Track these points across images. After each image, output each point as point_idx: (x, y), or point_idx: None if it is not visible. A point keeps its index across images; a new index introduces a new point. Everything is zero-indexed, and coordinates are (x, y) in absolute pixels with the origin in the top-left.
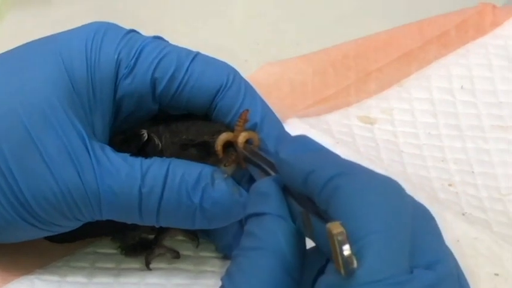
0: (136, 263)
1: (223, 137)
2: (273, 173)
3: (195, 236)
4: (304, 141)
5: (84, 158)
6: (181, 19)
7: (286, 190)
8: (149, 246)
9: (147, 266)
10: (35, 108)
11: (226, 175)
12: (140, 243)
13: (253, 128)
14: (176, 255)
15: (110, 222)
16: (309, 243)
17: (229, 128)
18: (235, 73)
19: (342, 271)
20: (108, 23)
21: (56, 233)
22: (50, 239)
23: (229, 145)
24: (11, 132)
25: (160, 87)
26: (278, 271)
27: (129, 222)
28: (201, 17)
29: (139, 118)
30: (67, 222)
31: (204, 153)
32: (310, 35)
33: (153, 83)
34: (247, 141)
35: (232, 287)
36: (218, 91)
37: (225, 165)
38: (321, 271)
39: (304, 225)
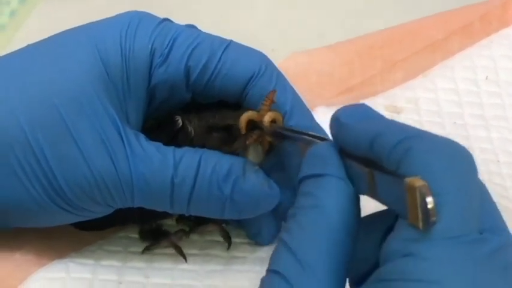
0: (169, 249)
1: (248, 114)
2: (318, 141)
3: (228, 237)
4: (364, 109)
5: (118, 145)
6: (208, 9)
7: (343, 154)
8: (159, 236)
9: (142, 251)
10: (70, 96)
11: (257, 167)
12: (154, 230)
13: (283, 116)
14: (180, 254)
15: (140, 209)
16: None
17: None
18: (268, 62)
19: (420, 224)
20: (142, 12)
21: (87, 219)
22: (79, 226)
23: (253, 126)
24: (46, 120)
25: (193, 76)
26: (338, 229)
27: (159, 210)
28: (229, 6)
29: (172, 106)
30: (99, 208)
31: (227, 137)
32: (336, 25)
33: (187, 71)
34: (273, 121)
35: (294, 243)
36: (250, 79)
37: (247, 144)
38: (385, 236)
39: (369, 186)
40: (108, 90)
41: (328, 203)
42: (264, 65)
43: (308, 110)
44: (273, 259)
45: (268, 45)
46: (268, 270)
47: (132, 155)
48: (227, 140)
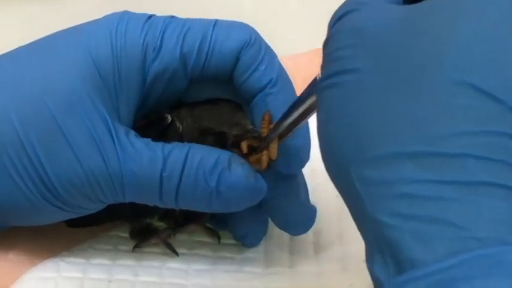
0: (158, 248)
1: (248, 141)
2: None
3: (215, 232)
4: None
5: (108, 142)
6: (194, 11)
7: None
8: (148, 234)
9: (133, 249)
10: (61, 94)
11: (243, 160)
12: (144, 228)
13: (268, 83)
14: (171, 250)
15: (131, 205)
16: None
17: (251, 120)
18: (256, 33)
19: None
20: (129, 12)
21: (80, 215)
22: (71, 224)
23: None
24: (37, 118)
25: (191, 61)
26: None
27: (150, 204)
28: (215, 9)
29: (168, 99)
30: (90, 205)
31: (220, 142)
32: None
33: (183, 58)
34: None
35: None
36: (241, 49)
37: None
38: None
39: None
40: (98, 88)
41: None
42: (253, 35)
43: (291, 81)
44: None
45: None
46: None
47: (121, 151)
48: (220, 142)
